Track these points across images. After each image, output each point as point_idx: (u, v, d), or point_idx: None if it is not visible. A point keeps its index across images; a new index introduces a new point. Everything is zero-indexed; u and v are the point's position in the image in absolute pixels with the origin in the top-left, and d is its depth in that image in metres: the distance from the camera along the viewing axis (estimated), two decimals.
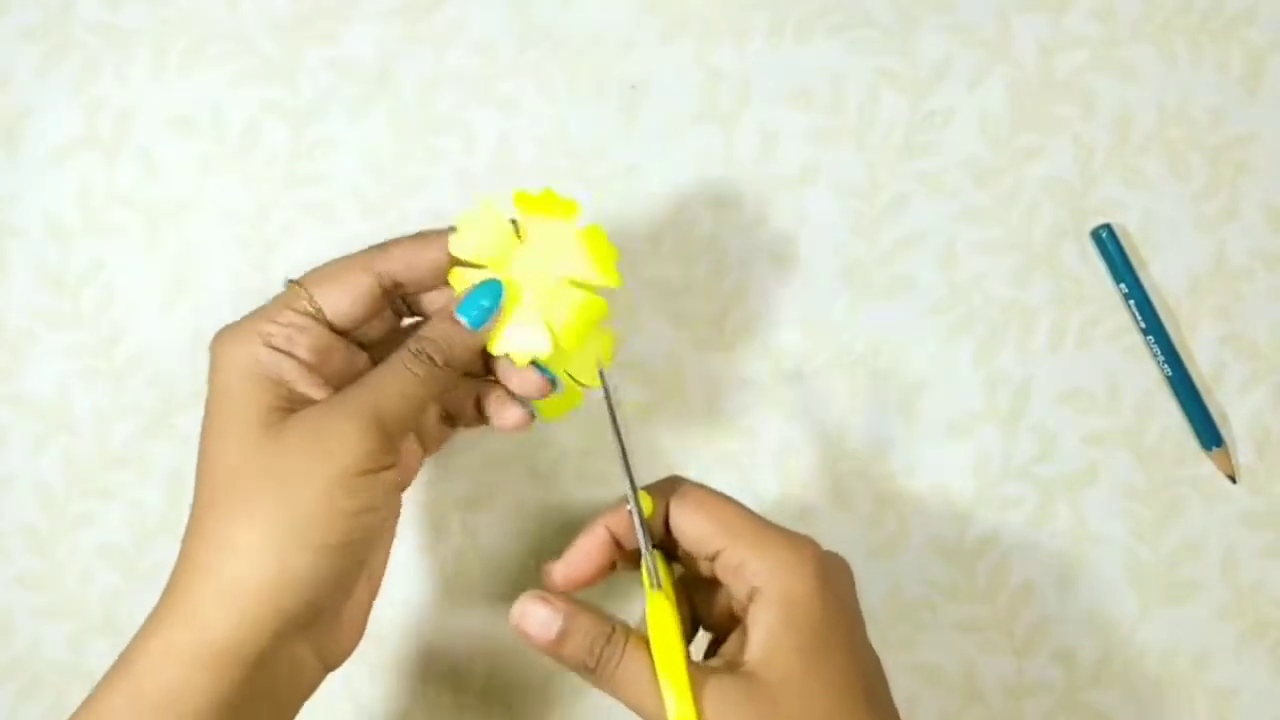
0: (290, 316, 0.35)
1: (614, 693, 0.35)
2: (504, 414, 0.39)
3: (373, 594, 0.37)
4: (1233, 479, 0.46)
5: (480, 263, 0.37)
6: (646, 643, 0.35)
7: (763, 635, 0.34)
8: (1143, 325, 0.46)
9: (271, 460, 0.33)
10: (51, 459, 0.47)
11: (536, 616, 0.35)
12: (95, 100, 0.47)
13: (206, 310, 0.47)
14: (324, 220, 0.47)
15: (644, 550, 0.36)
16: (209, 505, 0.33)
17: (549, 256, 0.37)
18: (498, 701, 0.46)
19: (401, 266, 0.36)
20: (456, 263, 0.37)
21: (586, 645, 0.34)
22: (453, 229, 0.37)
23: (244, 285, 0.47)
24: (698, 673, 0.34)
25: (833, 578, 0.35)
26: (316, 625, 0.34)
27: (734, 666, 0.34)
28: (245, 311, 0.46)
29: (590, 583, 0.37)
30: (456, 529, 0.46)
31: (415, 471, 0.40)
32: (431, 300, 0.39)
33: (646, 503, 0.37)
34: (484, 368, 0.40)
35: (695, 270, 0.47)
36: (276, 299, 0.36)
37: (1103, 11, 0.47)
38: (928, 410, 0.47)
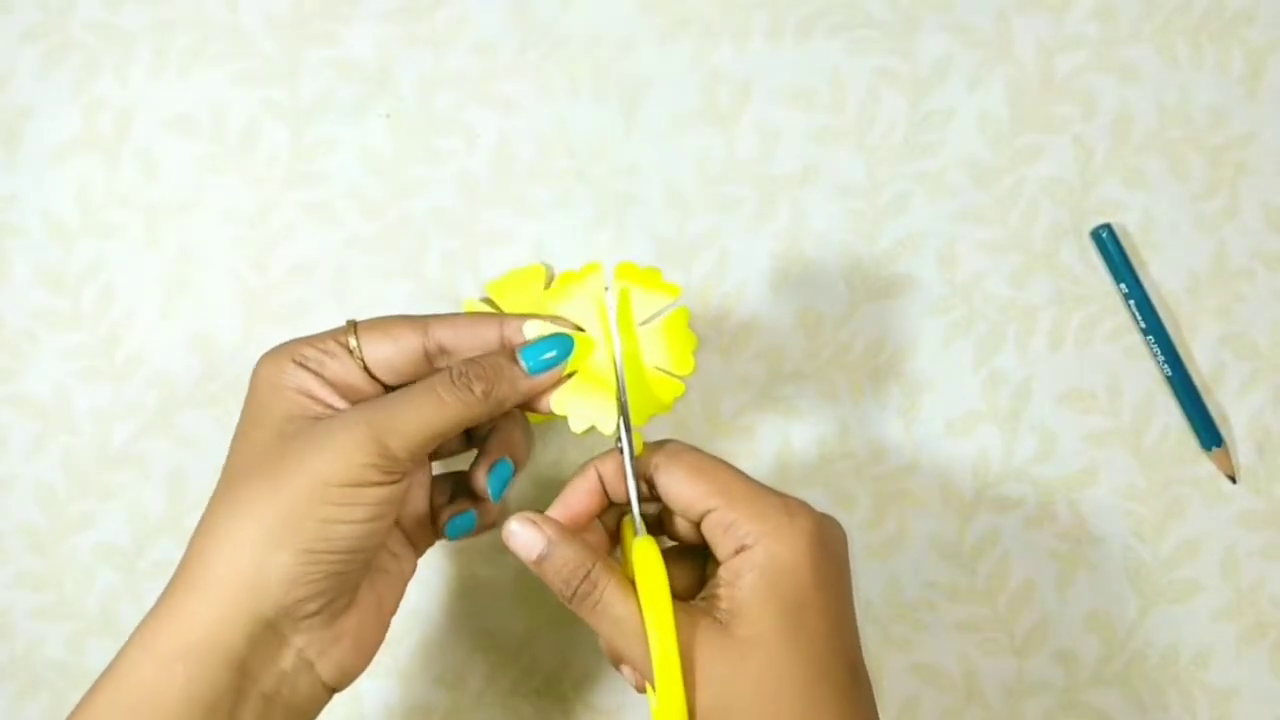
0: (328, 344, 0.35)
1: (591, 625, 0.35)
2: (482, 480, 0.38)
3: (381, 621, 0.37)
4: (1233, 479, 0.46)
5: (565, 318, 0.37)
6: (628, 584, 0.35)
7: (745, 592, 0.34)
8: (1143, 325, 0.46)
9: (272, 461, 0.33)
10: (51, 459, 0.47)
11: (521, 537, 0.35)
12: (95, 100, 0.47)
13: (206, 310, 0.47)
14: (324, 220, 0.47)
15: (632, 493, 0.36)
16: (214, 500, 0.34)
17: (634, 337, 0.37)
18: (497, 702, 0.46)
19: (452, 335, 0.36)
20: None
21: (565, 576, 0.35)
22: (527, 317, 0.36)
23: (244, 285, 0.47)
24: (677, 607, 0.34)
25: (826, 544, 0.35)
26: (305, 634, 0.34)
27: (709, 612, 0.34)
28: (244, 311, 0.46)
29: (582, 524, 0.37)
30: None
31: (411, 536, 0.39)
32: None
33: (638, 439, 0.37)
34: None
35: (695, 270, 0.47)
36: (327, 330, 0.36)
37: (1103, 11, 0.47)
38: (928, 410, 0.47)
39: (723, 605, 0.34)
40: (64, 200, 0.47)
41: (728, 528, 0.35)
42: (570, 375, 0.36)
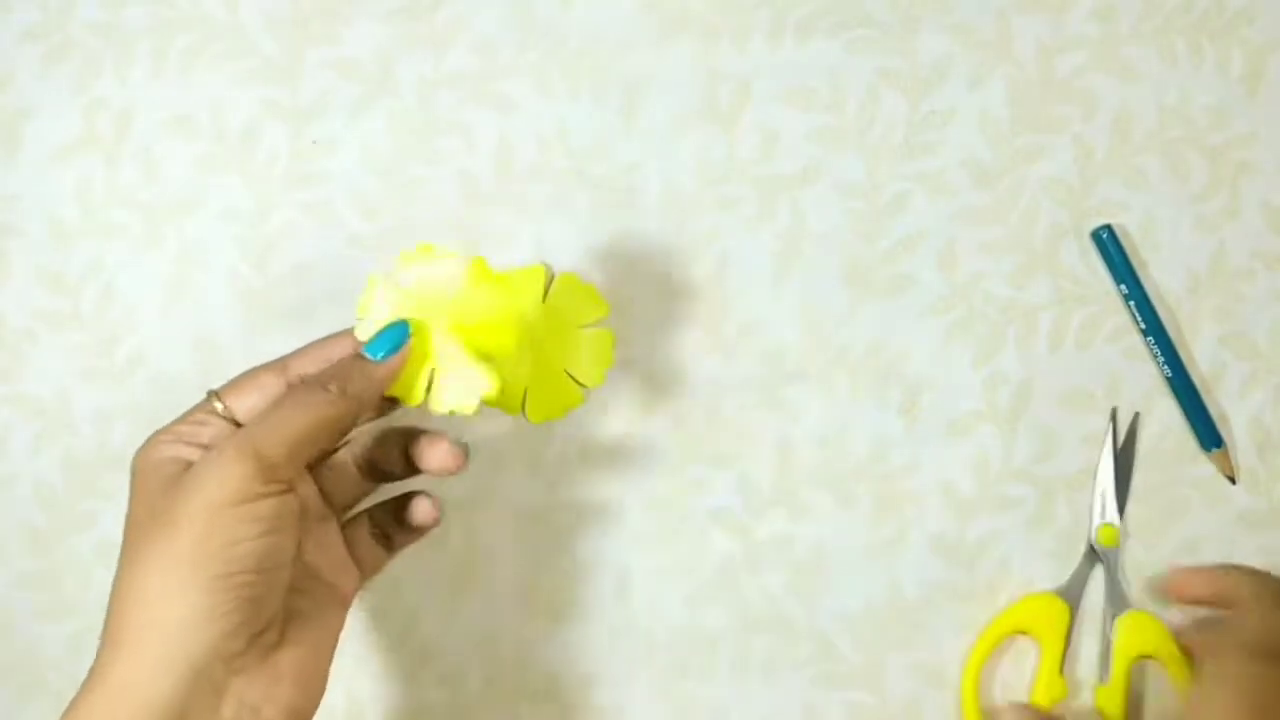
0: (198, 415, 0.36)
1: None
2: (432, 455, 0.39)
3: (321, 657, 0.36)
4: (1233, 479, 0.46)
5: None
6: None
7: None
8: (1143, 325, 0.46)
9: (161, 508, 0.33)
10: (51, 459, 0.47)
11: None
12: (95, 100, 0.47)
13: (206, 310, 0.47)
14: (324, 220, 0.47)
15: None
16: (120, 562, 0.34)
17: (560, 336, 0.40)
18: (497, 702, 0.46)
19: (308, 363, 0.37)
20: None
21: None
22: (353, 327, 0.38)
23: (244, 285, 0.47)
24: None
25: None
26: (240, 676, 0.33)
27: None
28: (244, 311, 0.46)
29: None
30: (457, 529, 0.47)
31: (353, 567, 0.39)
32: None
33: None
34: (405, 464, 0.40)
35: (695, 270, 0.47)
36: (192, 408, 0.37)
37: (1103, 11, 0.47)
38: (928, 410, 0.47)
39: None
40: (64, 200, 0.47)
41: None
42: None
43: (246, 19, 0.47)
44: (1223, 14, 0.47)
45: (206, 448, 0.35)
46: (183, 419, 0.36)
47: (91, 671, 0.33)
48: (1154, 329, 0.46)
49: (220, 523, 0.33)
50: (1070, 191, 0.47)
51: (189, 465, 0.35)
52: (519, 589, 0.46)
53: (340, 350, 0.37)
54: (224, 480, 0.33)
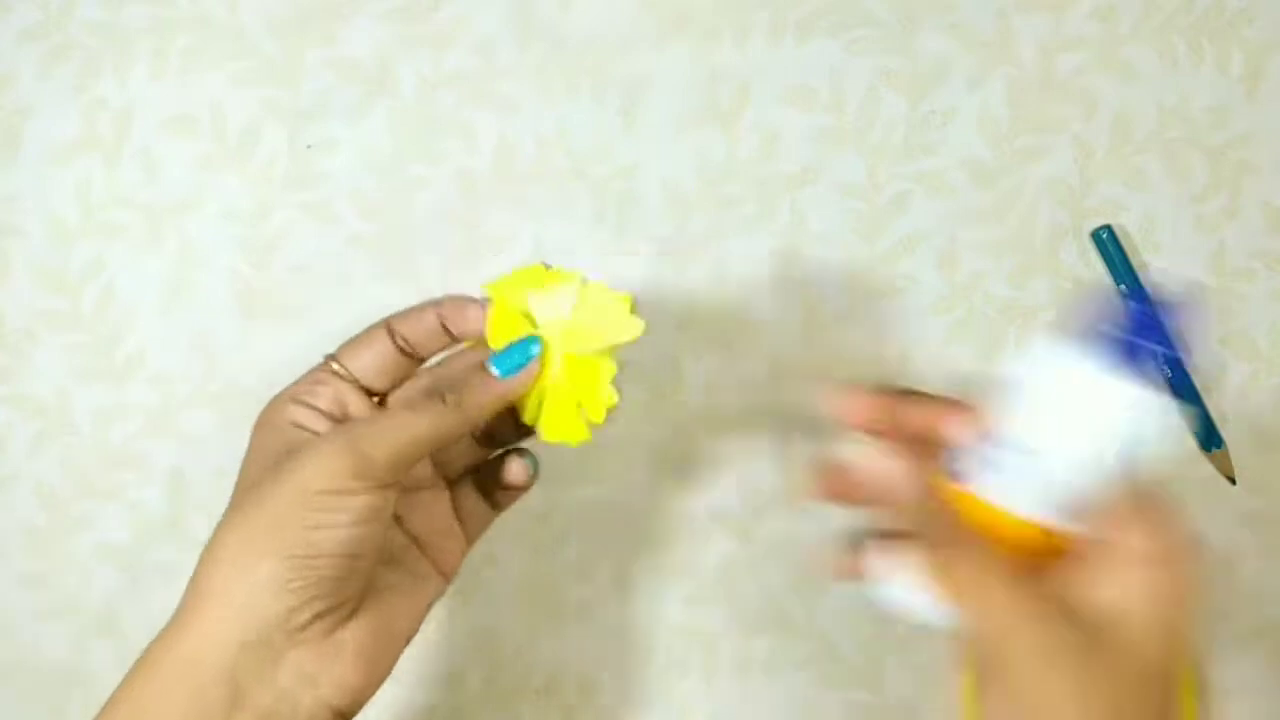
0: (317, 375, 0.37)
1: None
2: (510, 467, 0.40)
3: (392, 641, 0.37)
4: (1232, 480, 0.46)
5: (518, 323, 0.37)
6: None
7: (1124, 601, 0.30)
8: None
9: (262, 479, 0.34)
10: (51, 459, 0.47)
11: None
12: (95, 100, 0.47)
13: (206, 310, 0.47)
14: (324, 220, 0.47)
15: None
16: (218, 525, 0.35)
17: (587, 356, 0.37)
18: (497, 702, 0.46)
19: (406, 327, 0.38)
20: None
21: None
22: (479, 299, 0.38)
23: (244, 285, 0.47)
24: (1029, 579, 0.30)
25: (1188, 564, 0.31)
26: (300, 648, 0.34)
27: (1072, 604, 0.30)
28: (244, 311, 0.46)
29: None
30: None
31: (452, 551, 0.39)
32: None
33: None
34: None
35: (695, 270, 0.47)
36: (311, 369, 0.38)
37: (1103, 11, 0.47)
38: None
39: (1095, 604, 0.30)
40: (64, 200, 0.47)
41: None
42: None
43: (246, 19, 0.47)
44: (1223, 14, 0.47)
45: (323, 412, 0.36)
46: (302, 380, 0.37)
47: (165, 627, 0.34)
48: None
49: (307, 507, 0.33)
50: (1070, 191, 0.47)
51: (301, 428, 0.36)
52: (519, 589, 0.46)
53: (427, 318, 0.38)
54: (319, 468, 0.33)
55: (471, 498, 0.41)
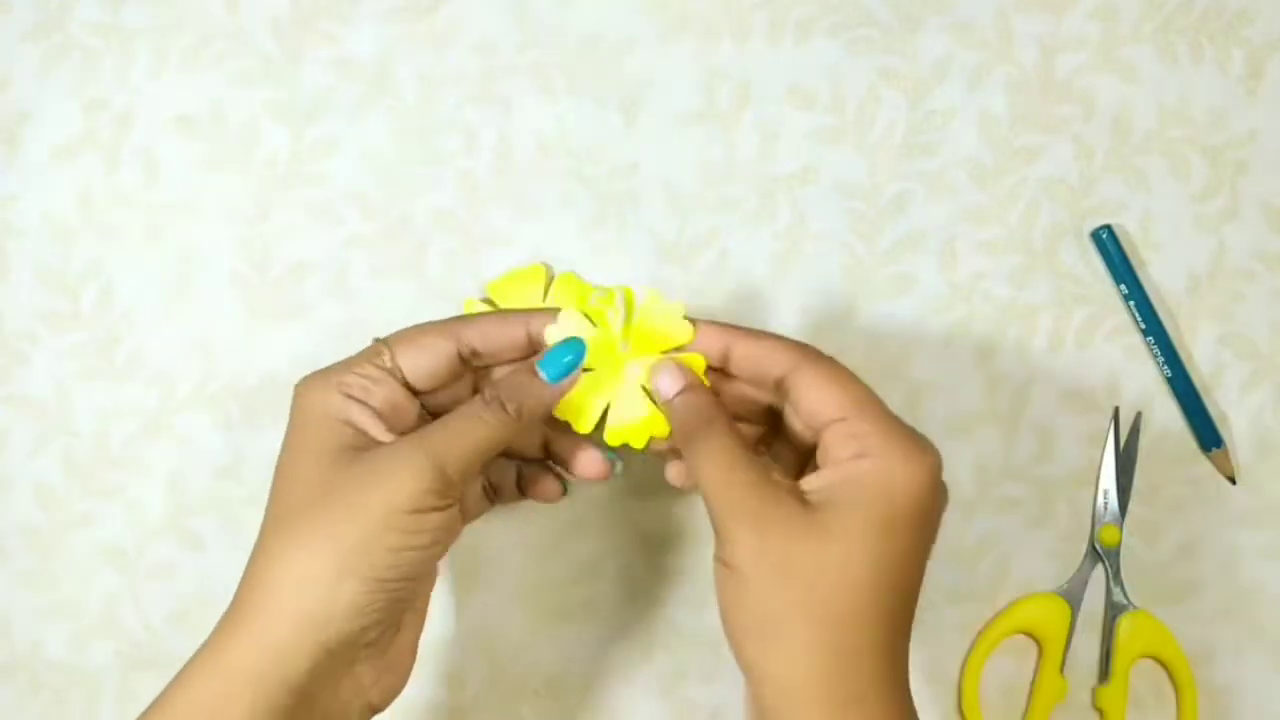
0: (369, 370, 0.36)
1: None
2: (584, 460, 0.40)
3: (416, 635, 0.37)
4: (1232, 479, 0.46)
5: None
6: None
7: (850, 490, 0.33)
8: (1143, 325, 0.46)
9: (333, 492, 0.33)
10: (51, 459, 0.47)
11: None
12: (95, 100, 0.47)
13: (206, 310, 0.47)
14: (324, 220, 0.47)
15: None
16: (274, 528, 0.34)
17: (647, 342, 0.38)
18: (497, 702, 0.46)
19: (481, 337, 0.37)
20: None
21: None
22: (551, 312, 0.38)
23: (244, 285, 0.47)
24: (767, 475, 0.33)
25: (938, 493, 0.34)
26: (364, 663, 0.34)
27: (793, 489, 0.34)
28: (244, 311, 0.46)
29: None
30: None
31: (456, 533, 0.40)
32: None
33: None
34: (542, 449, 0.41)
35: (695, 270, 0.47)
36: (360, 353, 0.37)
37: (1103, 11, 0.47)
38: (928, 410, 0.47)
39: (815, 488, 0.33)
40: (64, 200, 0.47)
41: (854, 436, 0.34)
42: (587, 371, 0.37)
43: (246, 19, 0.47)
44: (1223, 14, 0.47)
45: (378, 412, 0.35)
46: (354, 366, 0.36)
47: (224, 627, 0.33)
48: (1154, 329, 0.46)
49: (395, 527, 0.33)
50: (1070, 191, 0.47)
51: (358, 429, 0.35)
52: (519, 589, 0.46)
53: (511, 330, 0.37)
54: (403, 485, 0.33)
55: (474, 493, 0.41)
